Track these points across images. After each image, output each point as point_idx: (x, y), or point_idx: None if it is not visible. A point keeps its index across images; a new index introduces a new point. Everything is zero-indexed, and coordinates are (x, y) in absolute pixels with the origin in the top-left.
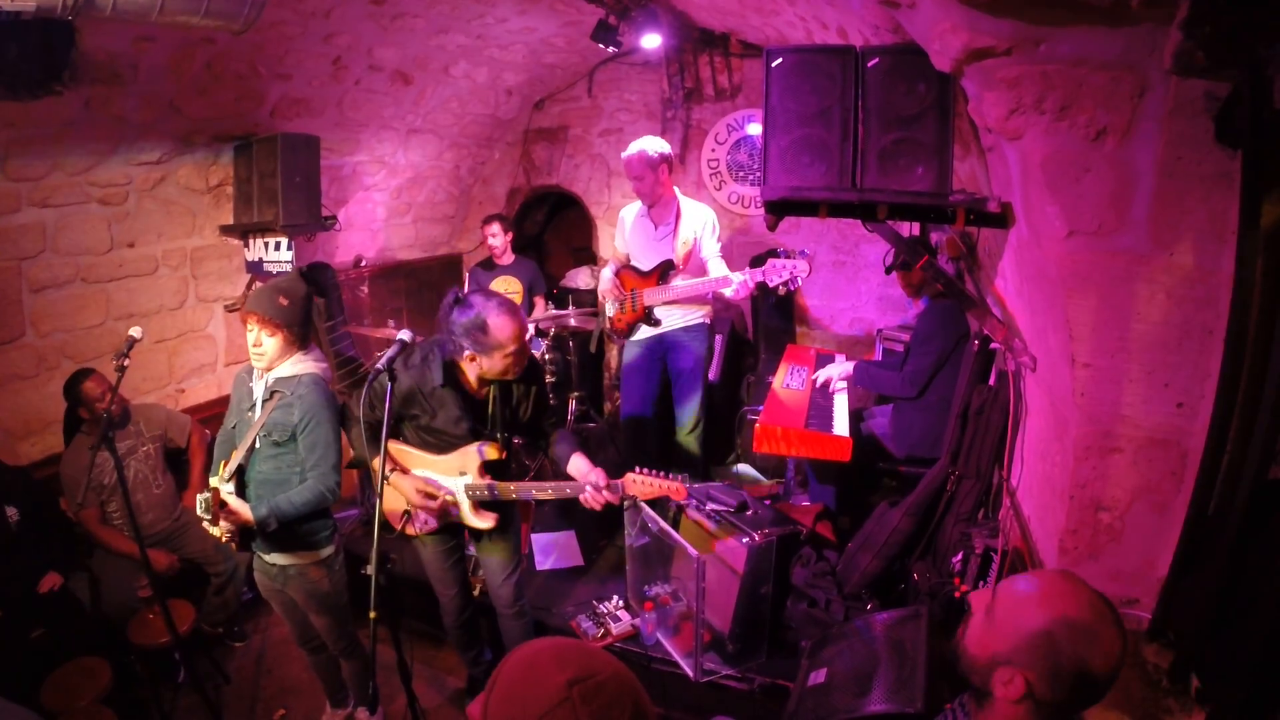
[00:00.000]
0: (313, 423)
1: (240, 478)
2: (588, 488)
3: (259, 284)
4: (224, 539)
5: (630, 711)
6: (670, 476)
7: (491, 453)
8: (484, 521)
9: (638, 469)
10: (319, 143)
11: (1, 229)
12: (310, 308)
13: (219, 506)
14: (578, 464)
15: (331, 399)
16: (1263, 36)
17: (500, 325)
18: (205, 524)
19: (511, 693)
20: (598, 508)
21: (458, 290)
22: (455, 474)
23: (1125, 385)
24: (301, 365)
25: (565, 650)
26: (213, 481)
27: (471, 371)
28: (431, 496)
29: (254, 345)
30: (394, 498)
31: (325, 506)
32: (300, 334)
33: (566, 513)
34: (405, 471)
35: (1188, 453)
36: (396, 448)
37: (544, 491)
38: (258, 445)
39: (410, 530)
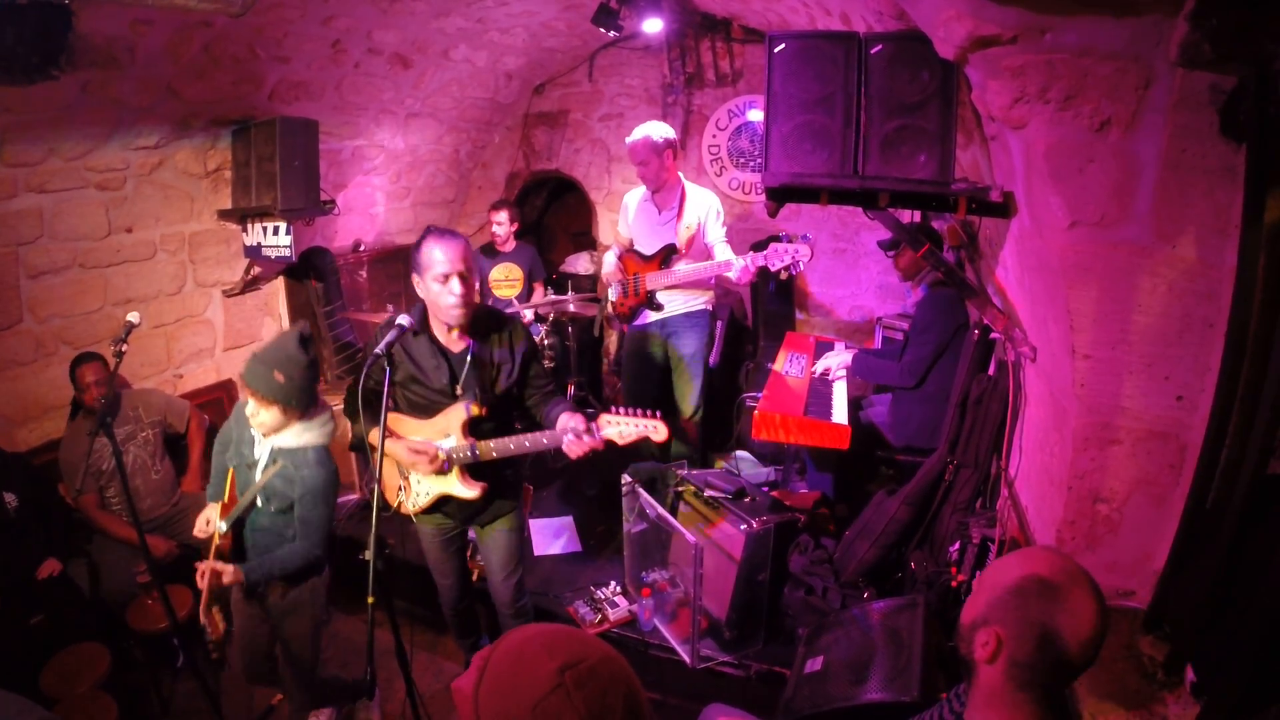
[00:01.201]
0: (310, 502)
1: (238, 523)
2: (568, 435)
3: (254, 353)
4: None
5: (624, 695)
6: (648, 414)
7: (472, 409)
8: (471, 490)
9: (613, 409)
10: (318, 126)
11: None
12: (314, 375)
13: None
14: (563, 420)
15: (332, 476)
16: (1269, 31)
17: (430, 245)
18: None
19: (502, 682)
20: (575, 455)
21: (432, 226)
22: (440, 437)
23: (1125, 377)
24: (306, 435)
25: (555, 637)
26: (208, 512)
27: (423, 294)
28: (422, 452)
29: (251, 415)
30: (389, 473)
31: (310, 567)
32: (301, 405)
33: (565, 499)
34: (397, 437)
35: (1187, 446)
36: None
37: (521, 445)
38: (258, 503)
39: (405, 509)
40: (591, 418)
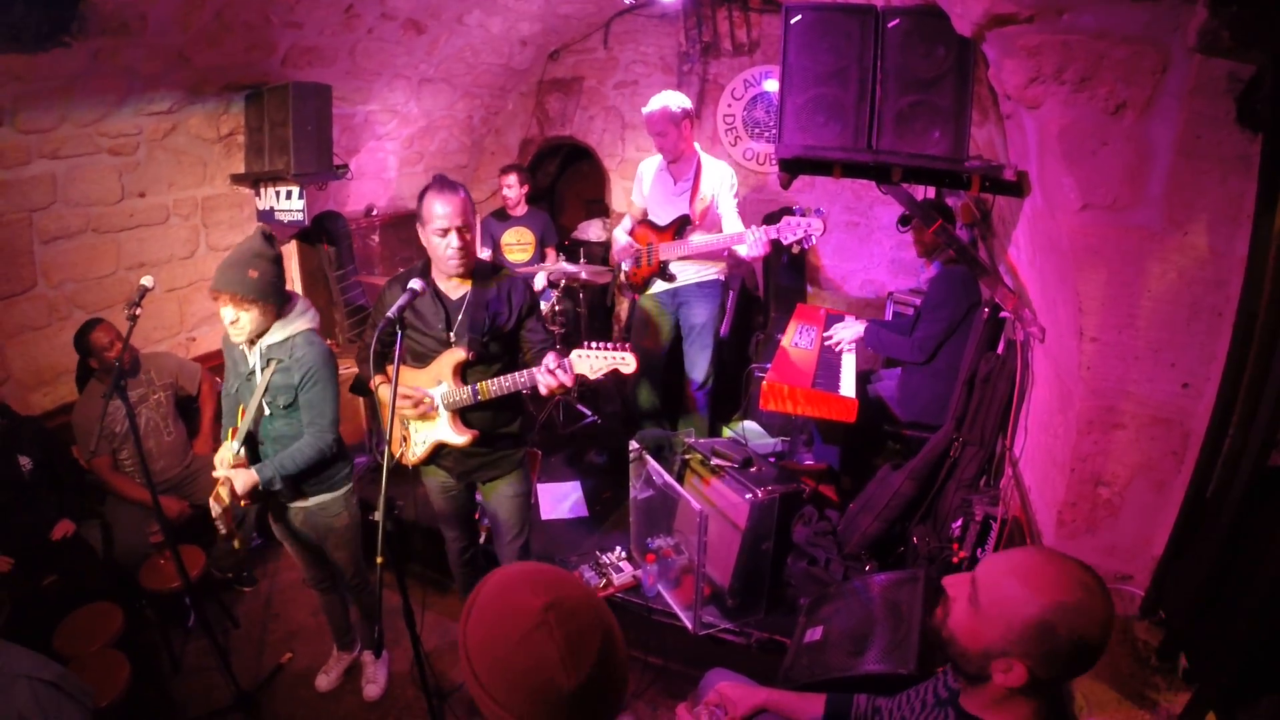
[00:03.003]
0: (311, 381)
1: (251, 441)
2: (541, 370)
3: (221, 264)
4: (243, 504)
5: (601, 633)
6: (617, 346)
7: (460, 354)
8: (461, 436)
9: (585, 343)
10: (330, 91)
11: (12, 181)
12: (281, 270)
13: (230, 500)
14: (546, 360)
15: (327, 354)
16: None
17: (431, 199)
18: (219, 525)
19: (489, 616)
20: (546, 390)
21: (437, 176)
22: (434, 384)
23: (1131, 362)
24: (291, 326)
25: (538, 575)
26: (222, 451)
27: (425, 244)
28: (408, 396)
29: (230, 323)
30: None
31: (324, 460)
32: (278, 301)
33: (574, 464)
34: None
35: (1190, 433)
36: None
37: (503, 386)
38: (266, 410)
39: (406, 460)
40: (564, 354)
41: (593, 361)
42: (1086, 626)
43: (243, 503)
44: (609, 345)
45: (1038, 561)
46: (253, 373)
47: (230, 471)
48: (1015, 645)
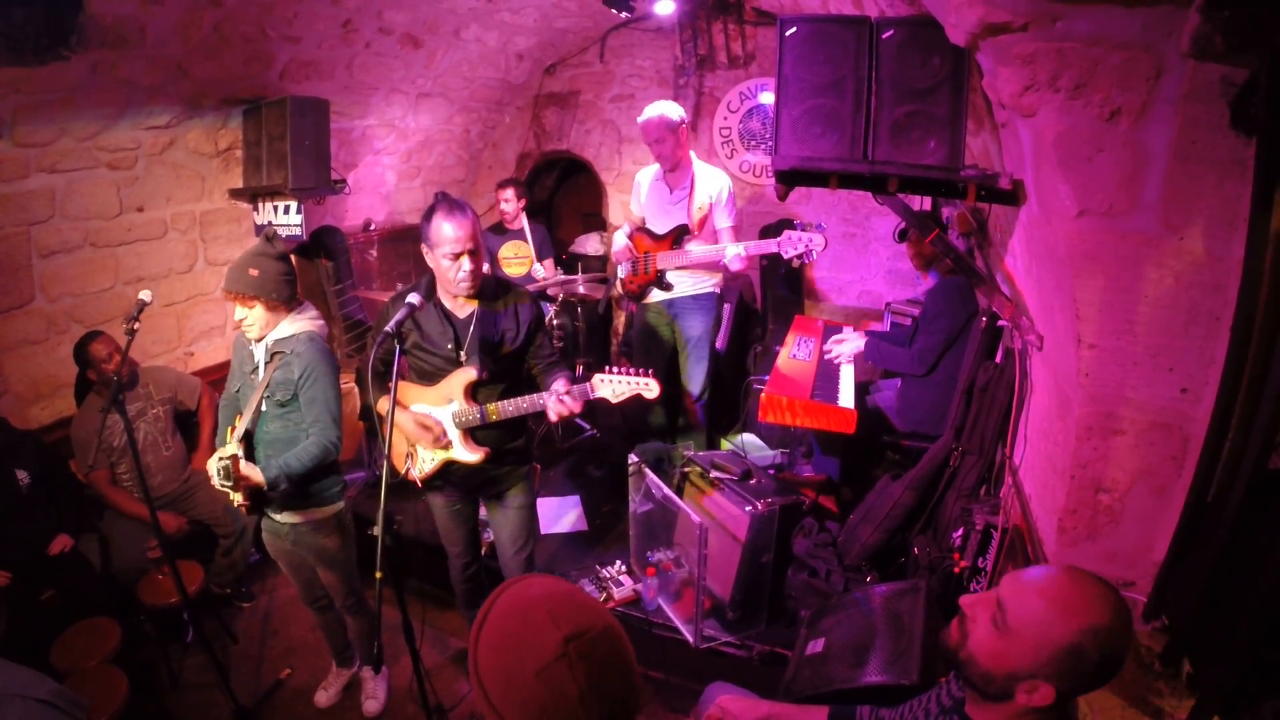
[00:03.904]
0: (311, 377)
1: (249, 441)
2: (552, 397)
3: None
4: (238, 504)
5: (622, 666)
6: (640, 371)
7: (471, 373)
8: (473, 454)
9: (606, 368)
10: (328, 106)
11: (10, 195)
12: (287, 269)
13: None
14: (556, 385)
15: (328, 354)
16: None
17: (440, 221)
18: (225, 489)
19: (504, 640)
20: (554, 417)
21: (441, 195)
22: (444, 403)
23: (1130, 367)
24: (297, 324)
25: (557, 601)
26: (220, 447)
27: (432, 265)
28: (427, 428)
29: (241, 320)
30: (397, 441)
31: (330, 460)
32: (281, 297)
33: (573, 478)
34: (404, 407)
35: (1190, 438)
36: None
37: (519, 407)
38: (264, 408)
39: (412, 476)
40: (584, 379)
41: (615, 386)
42: (1116, 646)
43: (241, 505)
44: (631, 370)
45: (1065, 583)
46: (256, 369)
47: (241, 462)
48: (1044, 667)
